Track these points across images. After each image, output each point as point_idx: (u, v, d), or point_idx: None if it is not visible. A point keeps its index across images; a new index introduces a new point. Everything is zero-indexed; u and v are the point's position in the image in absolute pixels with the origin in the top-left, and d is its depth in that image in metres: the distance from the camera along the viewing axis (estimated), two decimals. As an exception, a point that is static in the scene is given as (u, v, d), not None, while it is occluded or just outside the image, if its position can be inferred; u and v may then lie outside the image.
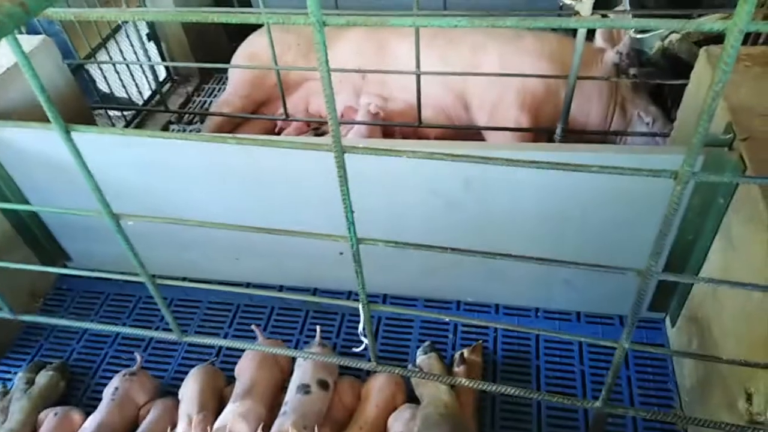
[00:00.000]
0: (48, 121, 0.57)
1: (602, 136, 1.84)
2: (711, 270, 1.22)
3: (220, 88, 2.50)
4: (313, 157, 1.23)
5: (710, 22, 0.45)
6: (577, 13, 1.34)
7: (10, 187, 1.54)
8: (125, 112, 2.35)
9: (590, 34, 1.93)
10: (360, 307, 0.79)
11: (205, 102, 2.46)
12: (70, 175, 0.94)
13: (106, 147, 1.40)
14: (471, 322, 1.52)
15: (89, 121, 1.93)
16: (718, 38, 1.47)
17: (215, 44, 2.47)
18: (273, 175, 1.37)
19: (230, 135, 1.07)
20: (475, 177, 1.26)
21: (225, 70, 2.39)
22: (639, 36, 1.54)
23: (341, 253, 1.51)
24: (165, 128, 2.30)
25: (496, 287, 1.52)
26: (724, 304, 1.17)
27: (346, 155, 0.56)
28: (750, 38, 1.37)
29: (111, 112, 2.35)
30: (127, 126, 2.27)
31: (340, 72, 2.05)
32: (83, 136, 0.59)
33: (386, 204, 1.35)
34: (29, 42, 1.67)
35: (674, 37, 1.48)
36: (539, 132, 1.78)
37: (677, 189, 0.51)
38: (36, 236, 1.67)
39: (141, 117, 2.33)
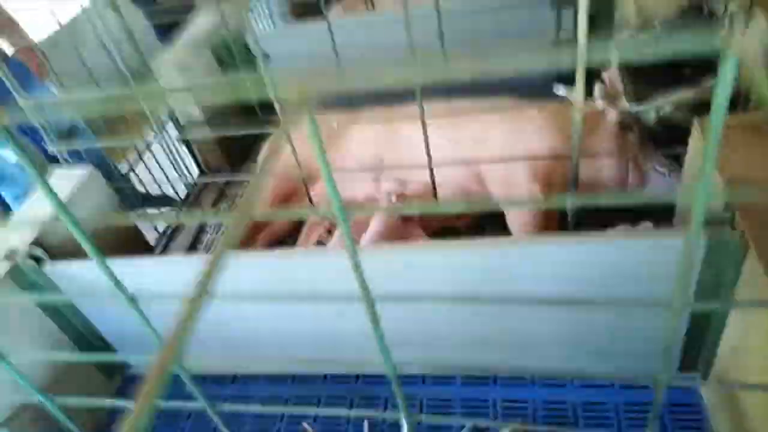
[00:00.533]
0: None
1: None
2: (730, 340, 1.27)
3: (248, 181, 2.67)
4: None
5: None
6: (569, 102, 1.44)
7: (75, 316, 1.69)
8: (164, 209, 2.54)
9: (588, 93, 2.03)
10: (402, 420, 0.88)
11: (236, 195, 2.62)
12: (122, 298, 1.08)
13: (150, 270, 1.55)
14: (508, 397, 1.59)
15: (138, 235, 2.10)
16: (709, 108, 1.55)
17: (241, 142, 2.65)
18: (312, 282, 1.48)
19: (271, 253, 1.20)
20: (496, 268, 1.35)
21: (254, 160, 2.56)
22: (636, 108, 1.62)
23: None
24: (200, 228, 2.46)
25: (529, 360, 1.59)
26: (747, 363, 1.22)
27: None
28: (740, 104, 1.44)
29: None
30: (163, 233, 2.45)
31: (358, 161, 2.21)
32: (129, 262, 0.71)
33: (410, 292, 1.45)
34: (76, 176, 1.85)
35: (668, 108, 1.56)
36: (551, 201, 1.86)
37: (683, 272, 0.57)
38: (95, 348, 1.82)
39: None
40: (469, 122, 2.06)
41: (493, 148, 1.99)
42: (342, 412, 1.65)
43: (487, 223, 2.06)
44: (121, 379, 1.89)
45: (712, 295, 1.26)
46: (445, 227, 2.10)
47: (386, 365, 0.75)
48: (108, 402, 1.68)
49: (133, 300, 0.78)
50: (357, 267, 0.66)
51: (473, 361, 1.63)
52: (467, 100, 2.22)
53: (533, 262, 1.31)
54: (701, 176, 0.53)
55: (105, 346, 1.81)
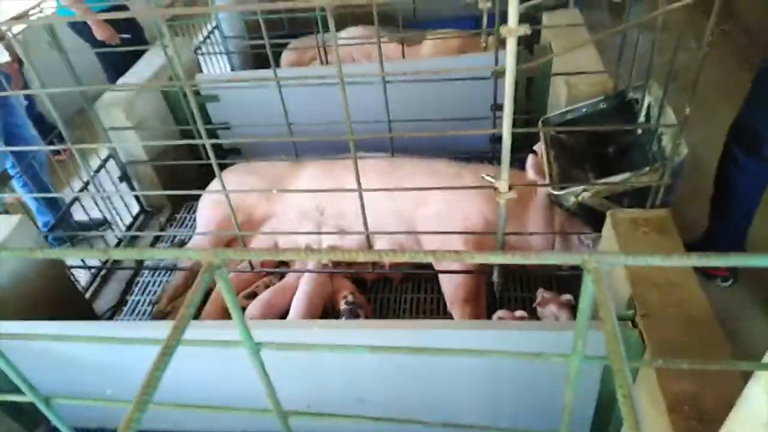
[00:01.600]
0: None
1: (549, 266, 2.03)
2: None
3: (191, 218, 2.66)
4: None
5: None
6: (496, 189, 1.54)
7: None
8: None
9: (523, 165, 2.16)
10: None
11: (175, 236, 2.61)
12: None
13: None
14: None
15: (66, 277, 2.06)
16: (622, 196, 1.68)
17: (185, 181, 2.64)
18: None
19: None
20: (421, 343, 1.42)
21: (196, 198, 2.55)
22: (556, 193, 1.74)
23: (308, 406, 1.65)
24: (139, 264, 2.44)
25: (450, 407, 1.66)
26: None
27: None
28: (649, 203, 1.57)
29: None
30: (102, 265, 2.41)
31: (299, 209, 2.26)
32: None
33: (340, 365, 1.50)
34: (7, 222, 1.82)
35: (586, 194, 1.68)
36: (481, 272, 1.96)
37: (572, 369, 0.64)
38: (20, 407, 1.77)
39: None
40: (410, 183, 2.14)
41: (430, 212, 2.08)
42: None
43: (419, 277, 2.14)
44: (43, 433, 1.85)
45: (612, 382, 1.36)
46: (378, 279, 2.17)
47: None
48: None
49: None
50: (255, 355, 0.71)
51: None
52: (409, 159, 2.32)
53: (457, 345, 1.38)
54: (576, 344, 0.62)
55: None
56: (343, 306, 1.88)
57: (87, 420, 1.84)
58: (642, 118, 1.85)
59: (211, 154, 1.69)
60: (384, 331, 1.39)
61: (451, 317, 1.91)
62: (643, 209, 1.55)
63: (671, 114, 1.70)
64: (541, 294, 1.81)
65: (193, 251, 0.72)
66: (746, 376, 0.85)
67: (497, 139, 2.61)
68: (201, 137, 1.61)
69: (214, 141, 1.68)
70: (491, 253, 0.64)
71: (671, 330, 1.26)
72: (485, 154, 2.59)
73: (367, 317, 1.88)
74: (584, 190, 1.67)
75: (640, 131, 1.95)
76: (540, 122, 2.03)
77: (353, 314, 1.84)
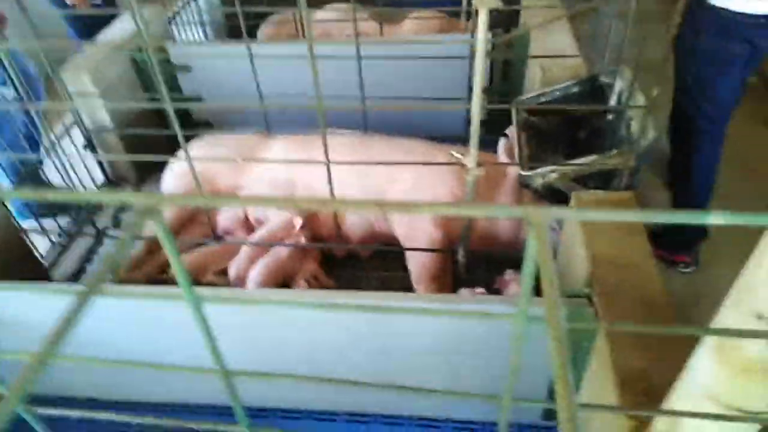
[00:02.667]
0: None
1: (516, 247, 2.03)
2: (585, 398, 1.40)
3: (157, 190, 2.60)
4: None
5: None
6: (463, 165, 1.53)
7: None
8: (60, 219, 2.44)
9: (494, 147, 2.15)
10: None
11: (142, 205, 2.55)
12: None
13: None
14: (388, 439, 1.65)
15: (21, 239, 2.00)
16: (588, 177, 1.69)
17: (151, 148, 2.57)
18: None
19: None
20: (375, 318, 1.41)
21: (162, 171, 2.50)
22: (524, 173, 1.74)
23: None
24: (102, 233, 2.38)
25: (409, 401, 1.66)
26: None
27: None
28: (613, 185, 1.58)
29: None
30: (63, 231, 2.35)
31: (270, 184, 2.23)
32: None
33: (298, 339, 1.49)
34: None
35: (553, 176, 1.68)
36: (448, 251, 1.96)
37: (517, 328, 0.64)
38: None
39: (78, 225, 2.40)
40: (381, 160, 2.12)
41: (401, 190, 2.06)
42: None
43: (387, 254, 2.13)
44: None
45: (571, 351, 1.37)
46: (348, 256, 2.15)
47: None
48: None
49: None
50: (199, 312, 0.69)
51: (356, 401, 1.68)
52: (382, 138, 2.29)
53: (412, 323, 1.37)
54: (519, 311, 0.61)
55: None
56: (302, 284, 1.86)
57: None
58: (613, 102, 1.85)
59: (174, 121, 1.65)
60: (345, 302, 1.38)
61: (415, 295, 1.91)
62: (606, 192, 1.55)
63: (641, 98, 1.70)
64: (505, 274, 1.81)
65: (126, 195, 0.69)
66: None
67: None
68: (170, 103, 1.57)
69: (179, 104, 1.64)
70: (440, 205, 0.62)
71: (626, 309, 1.26)
72: (459, 137, 2.58)
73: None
74: (552, 172, 1.66)
75: (611, 116, 1.96)
76: (513, 104, 2.02)
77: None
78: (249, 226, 2.24)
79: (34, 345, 0.47)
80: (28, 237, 2.15)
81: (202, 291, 1.47)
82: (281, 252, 1.95)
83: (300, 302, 0.71)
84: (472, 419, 1.68)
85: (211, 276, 1.97)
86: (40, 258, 2.22)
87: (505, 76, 2.51)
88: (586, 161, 1.63)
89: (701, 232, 2.46)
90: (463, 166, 1.53)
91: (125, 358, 1.59)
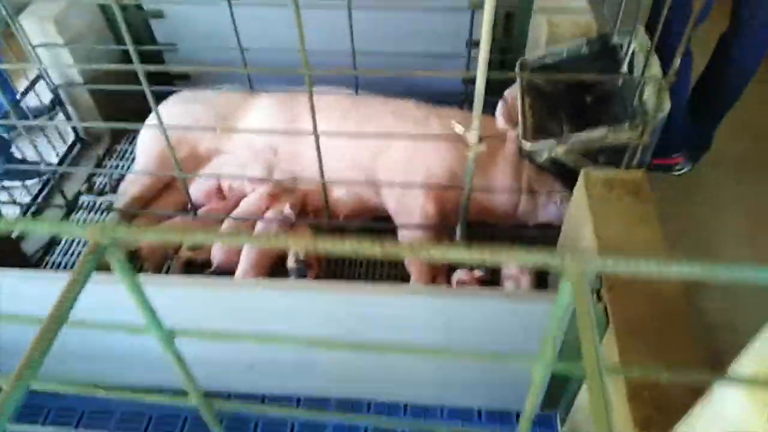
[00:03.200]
0: None
1: (514, 220, 1.93)
2: (585, 402, 1.33)
3: (131, 150, 2.44)
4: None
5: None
6: (464, 142, 1.39)
7: None
8: (28, 182, 2.29)
9: (492, 110, 2.00)
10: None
11: (117, 166, 2.39)
12: None
13: None
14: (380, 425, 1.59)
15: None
16: (597, 152, 1.56)
17: (125, 106, 2.39)
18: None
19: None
20: (367, 310, 1.31)
21: (137, 130, 2.32)
22: (528, 146, 1.60)
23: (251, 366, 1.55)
24: (75, 199, 2.24)
25: (403, 389, 1.59)
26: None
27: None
28: (624, 162, 1.45)
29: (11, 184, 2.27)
30: (33, 199, 2.20)
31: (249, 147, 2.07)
32: None
33: (286, 328, 1.39)
34: None
35: (560, 149, 1.55)
36: (442, 227, 1.84)
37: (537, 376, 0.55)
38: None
39: (49, 188, 2.25)
40: (374, 125, 1.97)
41: (393, 160, 1.92)
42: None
43: (378, 223, 2.01)
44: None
45: (571, 356, 1.29)
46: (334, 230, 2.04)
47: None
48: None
49: None
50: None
51: (350, 390, 1.62)
52: (374, 98, 2.13)
53: (410, 312, 1.28)
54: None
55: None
56: (290, 264, 1.74)
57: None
58: (625, 67, 1.69)
59: (144, 82, 1.49)
60: (333, 295, 1.27)
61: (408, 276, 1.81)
62: (618, 169, 1.43)
63: (657, 65, 1.55)
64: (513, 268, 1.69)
65: (76, 227, 0.56)
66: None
67: (471, 80, 2.43)
68: (137, 58, 1.40)
69: (152, 68, 1.47)
70: (459, 247, 0.50)
71: (636, 306, 1.17)
72: (457, 96, 2.41)
73: (317, 277, 1.76)
74: (558, 145, 1.53)
75: (621, 80, 1.81)
76: (518, 65, 1.85)
77: (301, 274, 1.71)
78: (223, 198, 2.10)
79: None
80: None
81: (201, 292, 1.34)
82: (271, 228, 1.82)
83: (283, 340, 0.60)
84: (468, 406, 1.62)
85: (187, 252, 1.84)
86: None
87: (507, 29, 2.31)
88: (597, 135, 1.49)
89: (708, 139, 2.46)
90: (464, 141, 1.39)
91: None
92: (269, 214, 1.89)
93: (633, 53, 1.73)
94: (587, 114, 1.81)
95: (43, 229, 0.54)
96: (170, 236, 0.54)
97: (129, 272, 0.58)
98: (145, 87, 1.48)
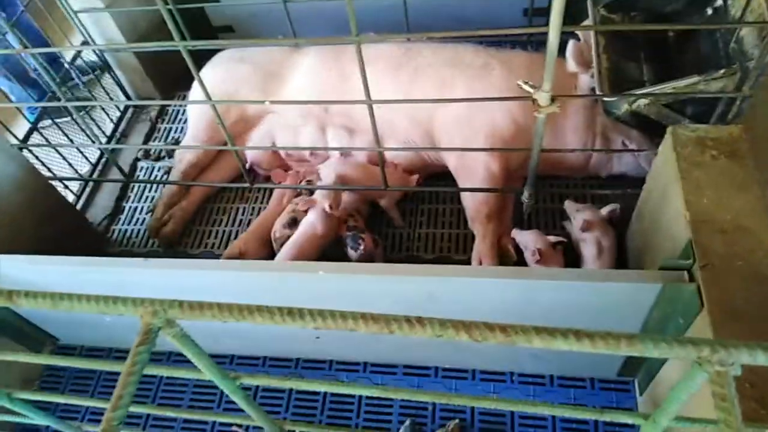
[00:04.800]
0: None
1: (585, 173, 1.80)
2: (669, 374, 1.25)
3: (184, 110, 2.40)
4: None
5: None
6: (535, 101, 1.26)
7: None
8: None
9: (561, 51, 1.82)
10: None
11: (170, 129, 2.37)
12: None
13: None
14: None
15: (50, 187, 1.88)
16: (685, 103, 1.39)
17: (173, 65, 2.33)
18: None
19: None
20: (438, 290, 1.25)
21: (188, 87, 2.27)
22: (605, 98, 1.44)
23: (317, 337, 1.55)
24: (133, 165, 2.25)
25: (471, 358, 1.56)
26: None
27: None
28: (716, 115, 1.29)
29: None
30: (93, 168, 2.23)
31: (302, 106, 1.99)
32: None
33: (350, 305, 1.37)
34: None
35: (642, 101, 1.39)
36: (508, 190, 1.73)
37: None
38: (17, 327, 1.70)
39: (106, 158, 2.26)
40: (427, 79, 1.84)
41: (451, 114, 1.80)
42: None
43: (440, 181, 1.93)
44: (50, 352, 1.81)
45: (660, 330, 1.21)
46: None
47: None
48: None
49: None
50: None
51: (421, 357, 1.60)
52: (427, 45, 1.97)
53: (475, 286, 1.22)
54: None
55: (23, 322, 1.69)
56: (345, 233, 1.70)
57: (89, 340, 1.80)
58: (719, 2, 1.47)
59: (188, 59, 1.42)
60: (397, 278, 1.22)
61: (472, 236, 1.74)
62: (711, 125, 1.27)
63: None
64: (582, 217, 1.57)
65: (124, 307, 0.52)
66: None
67: (534, 12, 2.22)
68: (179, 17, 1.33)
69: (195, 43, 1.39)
70: (560, 332, 0.44)
71: (735, 287, 1.06)
72: (518, 35, 2.22)
73: (374, 242, 1.70)
74: (641, 97, 1.37)
75: (710, 10, 1.59)
76: (590, 0, 1.65)
77: (356, 241, 1.67)
78: (279, 159, 2.05)
79: None
80: (62, 183, 2.05)
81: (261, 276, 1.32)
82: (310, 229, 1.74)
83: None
84: (535, 372, 1.58)
85: (282, 229, 1.79)
86: (75, 199, 2.13)
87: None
88: (686, 84, 1.32)
89: None
90: (533, 101, 1.26)
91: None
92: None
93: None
94: (670, 54, 1.61)
95: (90, 308, 0.50)
96: (215, 315, 0.49)
97: (190, 345, 0.54)
98: (192, 66, 1.41)
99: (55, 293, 0.53)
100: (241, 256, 1.76)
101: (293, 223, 1.77)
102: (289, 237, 1.73)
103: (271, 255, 1.79)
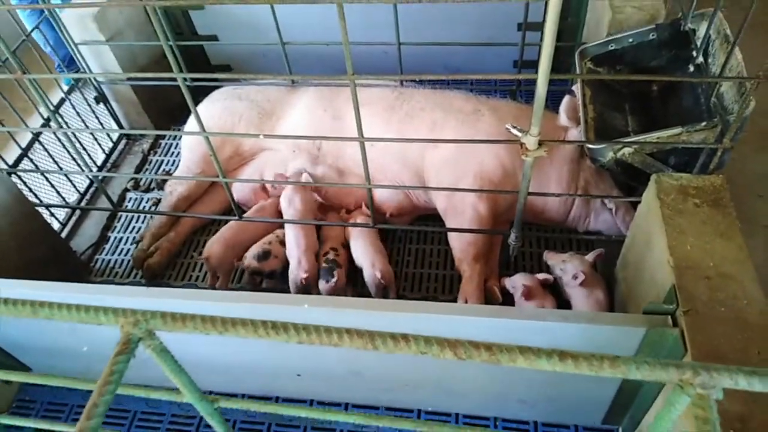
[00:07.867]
0: None
1: (563, 224, 1.83)
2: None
3: (176, 144, 2.42)
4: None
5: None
6: (523, 145, 1.29)
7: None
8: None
9: (554, 105, 1.88)
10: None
11: (162, 162, 2.38)
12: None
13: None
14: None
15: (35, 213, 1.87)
16: (669, 153, 1.43)
17: (170, 100, 2.37)
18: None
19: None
20: (424, 329, 1.24)
21: (183, 122, 2.30)
22: (592, 146, 1.48)
23: (298, 375, 1.52)
24: (122, 196, 2.24)
25: (455, 401, 1.54)
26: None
27: None
28: (698, 166, 1.32)
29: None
30: (81, 197, 2.22)
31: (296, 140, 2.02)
32: None
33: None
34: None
35: (627, 150, 1.43)
36: (496, 232, 1.75)
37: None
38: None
39: (95, 188, 2.26)
40: (419, 121, 1.88)
41: (442, 157, 1.83)
42: None
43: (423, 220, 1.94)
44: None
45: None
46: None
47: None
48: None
49: None
50: None
51: (402, 399, 1.57)
52: (420, 90, 2.03)
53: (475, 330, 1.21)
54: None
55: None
56: (323, 264, 1.72)
57: (64, 371, 1.74)
58: (699, 56, 1.54)
59: (185, 90, 1.44)
60: (383, 314, 1.21)
61: (458, 277, 1.74)
62: (693, 175, 1.30)
63: (739, 56, 1.40)
64: (576, 268, 1.58)
65: (105, 317, 0.52)
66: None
67: (523, 64, 2.30)
68: (178, 53, 1.36)
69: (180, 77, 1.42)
70: (545, 352, 0.44)
71: (718, 333, 1.07)
72: (508, 85, 2.29)
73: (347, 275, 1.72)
74: (626, 145, 1.41)
75: (692, 67, 1.66)
76: (577, 54, 1.72)
77: (329, 273, 1.68)
78: (267, 195, 2.07)
79: None
80: (48, 210, 2.04)
81: (249, 309, 1.31)
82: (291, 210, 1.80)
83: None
84: (521, 419, 1.55)
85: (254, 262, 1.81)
86: (60, 227, 2.11)
87: (563, 11, 2.16)
88: (669, 135, 1.37)
89: None
90: (521, 144, 1.29)
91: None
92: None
93: (708, 39, 1.57)
94: (654, 107, 1.67)
95: (71, 317, 0.49)
96: (197, 327, 0.49)
97: (169, 359, 0.53)
98: (189, 99, 1.43)
99: (35, 301, 0.52)
100: (206, 260, 1.82)
101: (264, 256, 1.78)
102: (257, 269, 1.77)
103: (232, 262, 1.84)
